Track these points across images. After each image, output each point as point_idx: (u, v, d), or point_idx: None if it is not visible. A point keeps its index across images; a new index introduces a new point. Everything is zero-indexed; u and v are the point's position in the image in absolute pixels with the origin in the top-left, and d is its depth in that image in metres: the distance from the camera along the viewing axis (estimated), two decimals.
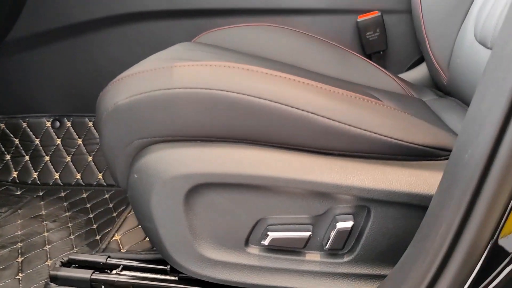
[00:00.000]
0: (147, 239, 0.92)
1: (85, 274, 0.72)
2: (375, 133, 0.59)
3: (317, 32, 1.12)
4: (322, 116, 0.58)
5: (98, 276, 0.72)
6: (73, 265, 0.76)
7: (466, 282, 0.42)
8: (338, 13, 1.14)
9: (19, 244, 0.99)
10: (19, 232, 1.03)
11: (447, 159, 0.62)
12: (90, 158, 1.27)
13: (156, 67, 0.63)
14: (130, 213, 1.03)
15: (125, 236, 0.94)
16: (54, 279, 0.73)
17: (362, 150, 0.60)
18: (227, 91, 0.58)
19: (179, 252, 0.63)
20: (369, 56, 1.15)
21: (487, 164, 0.39)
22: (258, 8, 1.14)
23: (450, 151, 0.62)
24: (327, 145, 0.60)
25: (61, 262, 0.76)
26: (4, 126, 1.30)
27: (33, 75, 1.28)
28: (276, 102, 0.58)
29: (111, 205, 1.15)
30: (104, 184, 1.25)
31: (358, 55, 1.07)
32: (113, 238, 0.93)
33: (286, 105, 0.58)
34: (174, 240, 0.63)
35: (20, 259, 0.94)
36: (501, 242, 0.42)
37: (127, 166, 0.65)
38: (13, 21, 1.21)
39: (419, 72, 1.14)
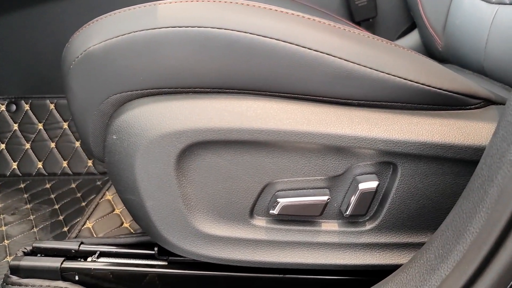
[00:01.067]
0: (125, 224, 0.80)
1: (54, 262, 0.60)
2: (400, 77, 0.51)
3: None
4: (340, 58, 0.50)
5: (70, 264, 0.60)
6: (39, 255, 0.63)
7: None
8: None
9: None
10: None
11: (478, 107, 0.55)
12: (52, 145, 1.16)
13: (136, 6, 0.52)
14: (103, 199, 0.91)
15: (98, 223, 0.82)
16: (15, 270, 0.60)
17: (384, 98, 0.52)
18: (223, 28, 0.48)
19: (171, 228, 0.54)
20: (358, 24, 1.09)
21: None
22: None
23: (481, 99, 0.55)
24: (345, 93, 0.52)
25: (23, 251, 0.63)
26: None
27: None
28: (284, 41, 0.49)
29: (79, 195, 1.05)
30: (70, 172, 1.15)
31: (348, 22, 1.00)
32: (85, 226, 0.81)
33: (296, 44, 0.49)
34: (164, 213, 0.53)
35: None
36: None
37: (102, 128, 0.54)
38: None
39: (411, 40, 1.11)
